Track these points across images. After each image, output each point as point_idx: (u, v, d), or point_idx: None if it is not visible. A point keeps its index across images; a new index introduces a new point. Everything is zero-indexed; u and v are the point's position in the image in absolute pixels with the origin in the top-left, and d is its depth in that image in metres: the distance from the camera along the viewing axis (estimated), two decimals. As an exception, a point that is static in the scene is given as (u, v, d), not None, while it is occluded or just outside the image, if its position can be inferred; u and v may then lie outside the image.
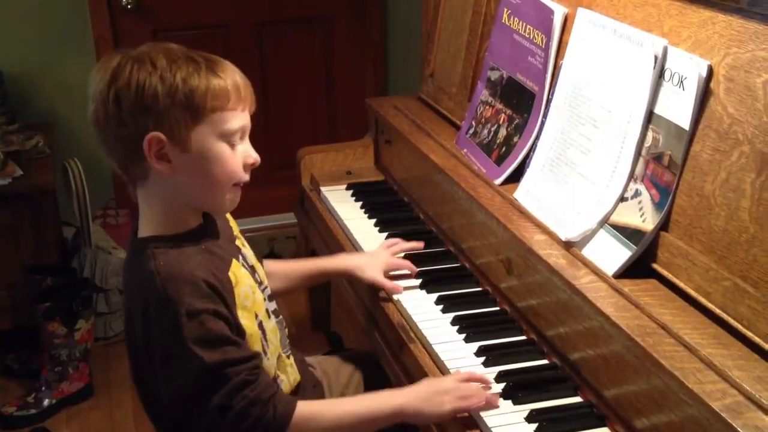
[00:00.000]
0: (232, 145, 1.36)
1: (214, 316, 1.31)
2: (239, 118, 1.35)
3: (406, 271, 1.82)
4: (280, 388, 1.43)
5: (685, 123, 1.37)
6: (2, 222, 2.83)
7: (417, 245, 1.89)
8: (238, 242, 1.53)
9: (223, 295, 1.34)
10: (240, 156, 1.37)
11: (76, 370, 2.78)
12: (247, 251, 1.54)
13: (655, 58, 1.44)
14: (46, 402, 2.73)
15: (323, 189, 2.35)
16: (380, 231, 2.08)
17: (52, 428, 2.67)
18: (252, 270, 1.51)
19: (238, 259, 1.45)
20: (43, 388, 2.74)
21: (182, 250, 1.35)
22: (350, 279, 1.94)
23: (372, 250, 1.89)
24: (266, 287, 1.55)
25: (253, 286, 1.46)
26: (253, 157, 1.40)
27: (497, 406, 1.40)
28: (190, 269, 1.32)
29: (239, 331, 1.37)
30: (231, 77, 1.34)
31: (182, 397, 1.33)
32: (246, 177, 1.40)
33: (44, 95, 3.35)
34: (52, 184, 2.88)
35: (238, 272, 1.42)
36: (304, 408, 1.37)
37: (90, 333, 2.83)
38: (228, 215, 1.56)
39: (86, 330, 2.79)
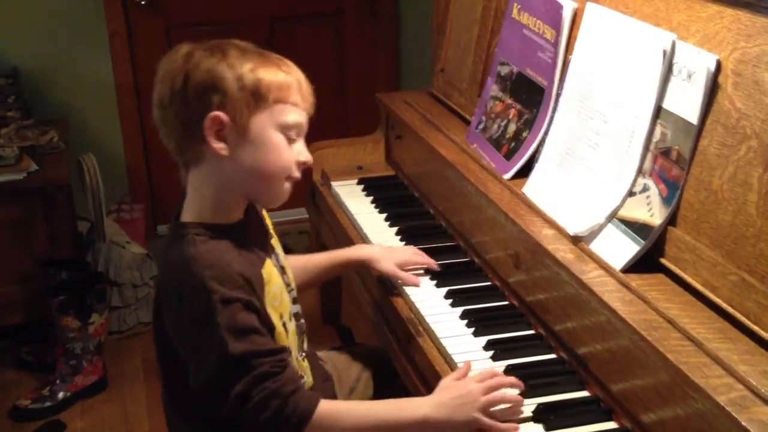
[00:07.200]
0: (289, 140, 1.39)
1: (246, 307, 1.33)
2: (298, 114, 1.39)
3: (420, 270, 1.82)
4: (303, 384, 1.42)
5: (693, 118, 1.37)
6: (17, 216, 2.85)
7: (432, 263, 1.83)
8: (273, 241, 1.54)
9: (255, 289, 1.36)
10: (295, 152, 1.40)
11: (90, 363, 2.80)
12: (280, 251, 1.55)
13: (664, 52, 1.44)
14: (60, 395, 2.75)
15: (334, 184, 2.36)
16: (390, 225, 2.08)
17: (67, 421, 2.69)
18: (282, 270, 1.51)
19: (271, 258, 1.47)
20: (58, 381, 2.76)
21: (221, 242, 1.37)
22: (362, 271, 1.95)
23: (390, 246, 1.90)
24: (293, 289, 1.55)
25: (282, 287, 1.47)
26: (306, 156, 1.42)
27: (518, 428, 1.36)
28: (228, 260, 1.34)
29: (268, 325, 1.38)
30: (296, 74, 1.39)
31: (208, 385, 1.33)
32: (298, 174, 1.42)
33: (59, 90, 3.38)
34: (66, 178, 2.90)
35: (271, 271, 1.43)
36: (326, 407, 1.35)
37: (104, 327, 2.86)
38: (265, 213, 1.57)
39: (100, 324, 2.81)
